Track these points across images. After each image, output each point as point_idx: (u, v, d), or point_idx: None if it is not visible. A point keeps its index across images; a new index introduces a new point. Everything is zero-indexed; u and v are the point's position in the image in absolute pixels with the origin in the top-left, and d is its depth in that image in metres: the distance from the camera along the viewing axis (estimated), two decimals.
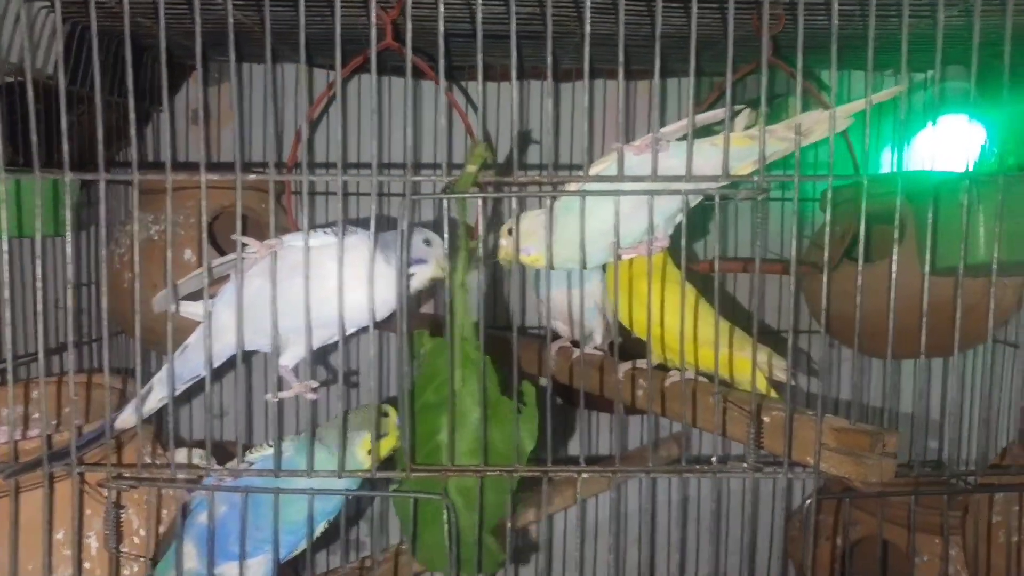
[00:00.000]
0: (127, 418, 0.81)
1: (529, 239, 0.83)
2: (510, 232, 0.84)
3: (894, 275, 0.76)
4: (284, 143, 1.56)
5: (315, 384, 0.80)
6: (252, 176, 0.74)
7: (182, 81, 1.64)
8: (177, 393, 0.81)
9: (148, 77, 1.44)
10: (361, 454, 0.81)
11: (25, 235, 0.92)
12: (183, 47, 1.43)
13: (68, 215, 0.75)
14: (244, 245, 0.76)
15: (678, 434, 1.56)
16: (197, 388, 0.84)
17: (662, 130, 0.77)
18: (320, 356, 0.82)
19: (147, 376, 0.82)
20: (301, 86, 1.49)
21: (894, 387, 1.52)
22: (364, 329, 0.79)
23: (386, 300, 0.78)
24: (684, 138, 0.75)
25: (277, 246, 0.77)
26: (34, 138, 0.74)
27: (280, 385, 0.79)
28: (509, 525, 0.76)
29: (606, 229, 0.76)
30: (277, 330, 0.75)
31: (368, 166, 0.73)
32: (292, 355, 0.81)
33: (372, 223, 0.73)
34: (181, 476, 0.75)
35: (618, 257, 0.77)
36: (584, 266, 0.78)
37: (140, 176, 0.75)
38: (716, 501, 0.78)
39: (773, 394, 0.89)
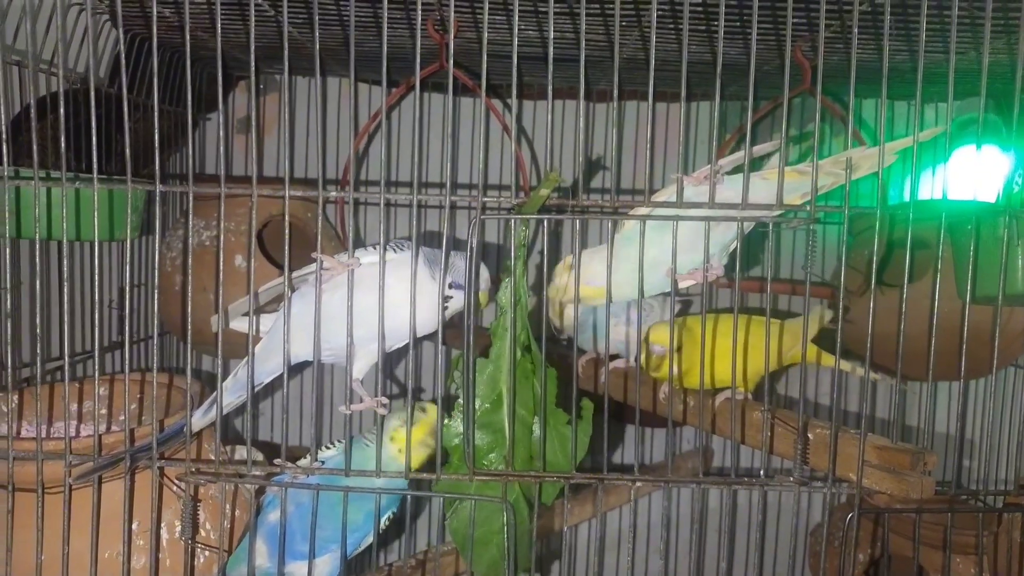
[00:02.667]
0: (196, 421, 0.85)
1: (592, 274, 0.87)
2: (570, 268, 0.88)
3: (936, 300, 0.79)
4: (337, 157, 1.61)
5: (386, 400, 0.84)
6: (333, 193, 0.79)
7: (228, 91, 1.69)
8: (234, 402, 0.85)
9: (197, 87, 1.49)
10: (396, 450, 0.84)
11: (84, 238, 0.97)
12: (232, 59, 1.48)
13: (158, 222, 0.79)
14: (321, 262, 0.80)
15: (704, 446, 1.60)
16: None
17: (719, 162, 0.81)
18: (386, 368, 0.85)
19: (197, 375, 0.86)
20: (385, 101, 1.53)
21: (904, 407, 1.57)
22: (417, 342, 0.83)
23: (426, 320, 0.82)
24: (738, 169, 0.79)
25: (353, 264, 0.81)
26: (128, 151, 0.79)
27: (351, 397, 0.83)
28: (566, 527, 0.80)
29: (664, 259, 0.80)
30: (352, 341, 0.79)
31: (435, 185, 0.77)
32: (355, 368, 0.85)
33: (444, 243, 0.78)
34: (256, 473, 0.80)
35: (674, 284, 0.80)
36: (642, 295, 0.82)
37: (226, 189, 0.79)
38: (763, 513, 0.81)
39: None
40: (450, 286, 0.82)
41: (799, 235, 1.56)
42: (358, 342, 0.80)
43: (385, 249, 0.78)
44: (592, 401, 0.83)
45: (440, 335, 0.80)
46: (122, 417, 1.01)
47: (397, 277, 0.79)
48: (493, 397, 0.86)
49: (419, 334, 0.81)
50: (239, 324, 0.89)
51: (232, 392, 0.85)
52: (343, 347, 0.79)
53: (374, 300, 0.78)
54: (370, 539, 0.85)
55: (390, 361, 0.83)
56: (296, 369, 0.87)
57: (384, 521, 0.86)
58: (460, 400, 0.84)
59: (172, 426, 0.84)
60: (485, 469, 0.85)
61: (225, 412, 0.86)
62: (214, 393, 0.84)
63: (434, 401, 0.82)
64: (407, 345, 0.81)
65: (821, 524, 1.53)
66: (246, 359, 0.82)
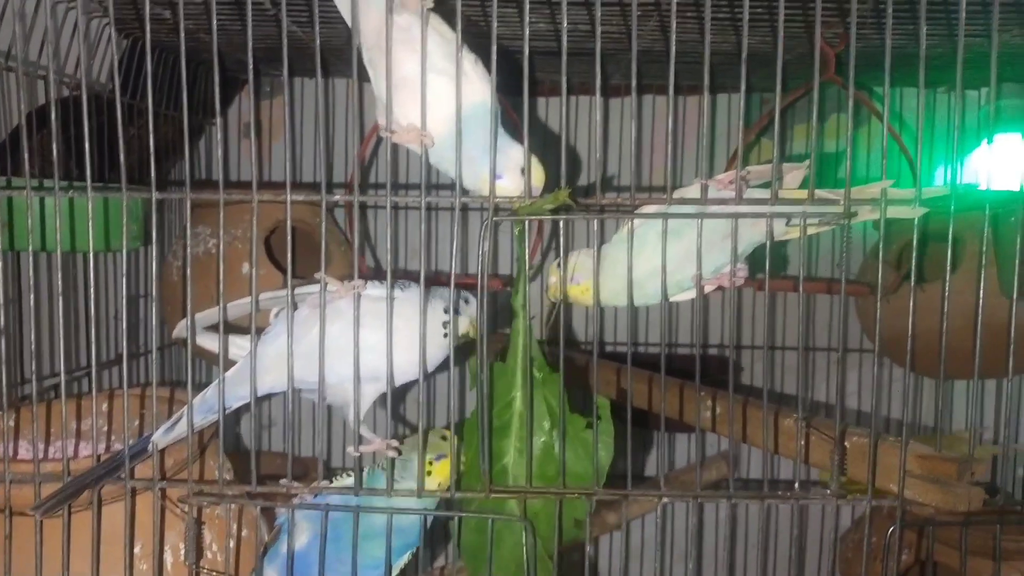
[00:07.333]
0: (159, 438, 0.80)
1: (579, 270, 0.83)
2: (559, 266, 0.83)
3: (977, 295, 0.74)
4: (345, 160, 1.58)
5: (396, 443, 0.79)
6: (337, 197, 0.75)
7: (234, 95, 1.66)
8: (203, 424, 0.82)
9: (201, 91, 1.46)
10: (435, 483, 0.81)
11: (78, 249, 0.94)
12: (236, 61, 1.45)
13: (155, 231, 0.75)
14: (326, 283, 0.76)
15: (725, 452, 1.55)
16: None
17: (749, 168, 0.77)
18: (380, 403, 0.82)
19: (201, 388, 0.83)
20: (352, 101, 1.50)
21: (946, 407, 1.51)
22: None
23: (435, 355, 0.79)
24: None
25: (361, 288, 0.77)
26: (123, 157, 0.75)
27: (358, 439, 0.79)
28: (589, 548, 0.76)
29: (658, 269, 0.76)
30: (336, 380, 0.76)
31: (446, 187, 0.73)
32: (352, 408, 0.80)
33: (454, 244, 0.74)
34: (261, 491, 0.76)
35: (700, 289, 0.76)
36: (633, 303, 0.77)
37: (226, 196, 0.75)
38: (799, 528, 0.77)
39: None
40: (445, 311, 0.80)
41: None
42: (346, 380, 0.76)
43: (393, 275, 0.74)
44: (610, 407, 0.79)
45: (452, 359, 0.77)
46: (123, 435, 0.97)
47: (397, 314, 0.75)
48: (507, 399, 0.82)
49: (408, 377, 0.79)
50: (206, 341, 0.85)
51: (200, 412, 0.81)
52: (331, 383, 0.76)
53: (368, 337, 0.75)
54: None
55: (394, 397, 0.79)
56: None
57: (406, 558, 0.82)
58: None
59: (134, 444, 0.80)
60: (503, 485, 0.81)
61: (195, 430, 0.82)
62: (181, 410, 0.80)
63: (447, 428, 0.79)
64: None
65: (851, 530, 1.48)
66: (216, 382, 0.79)
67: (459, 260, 0.75)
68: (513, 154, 0.75)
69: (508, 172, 0.74)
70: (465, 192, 0.74)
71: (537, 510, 0.81)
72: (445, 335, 0.79)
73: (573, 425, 0.80)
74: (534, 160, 0.76)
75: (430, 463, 0.80)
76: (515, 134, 0.77)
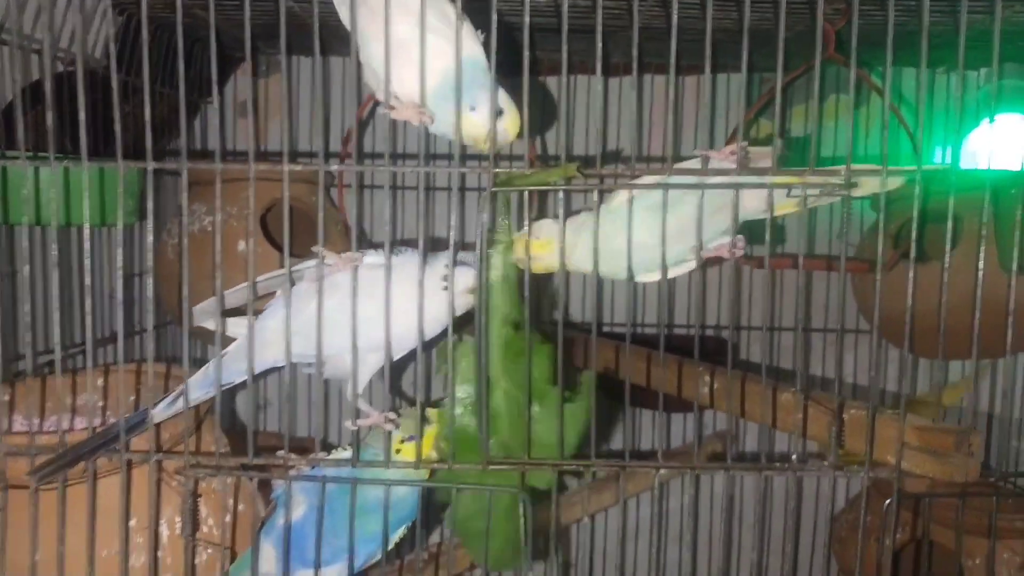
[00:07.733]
0: (159, 413, 0.80)
1: (543, 228, 0.81)
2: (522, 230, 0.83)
3: (975, 272, 0.74)
4: (339, 138, 1.57)
5: (394, 416, 0.80)
6: (335, 167, 0.75)
7: (229, 74, 1.64)
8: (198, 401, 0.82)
9: (197, 68, 1.44)
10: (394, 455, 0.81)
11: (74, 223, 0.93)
12: (233, 39, 1.43)
13: (151, 204, 0.75)
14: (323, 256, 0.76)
15: (721, 432, 1.55)
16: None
17: (751, 148, 0.77)
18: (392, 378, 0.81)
19: (199, 365, 0.82)
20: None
21: (940, 383, 1.51)
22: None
23: (436, 318, 0.79)
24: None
25: (358, 260, 0.77)
26: (118, 128, 0.75)
27: (356, 413, 0.79)
28: (586, 516, 0.76)
29: (642, 245, 0.75)
30: (357, 351, 0.75)
31: (443, 157, 0.73)
32: (350, 381, 0.81)
33: (451, 218, 0.73)
34: (257, 463, 0.76)
35: (700, 259, 0.76)
36: (631, 277, 0.77)
37: (223, 166, 0.75)
38: (796, 499, 0.77)
39: None
40: (445, 266, 0.79)
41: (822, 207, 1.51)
42: (346, 352, 0.76)
43: (392, 241, 0.73)
44: (608, 385, 0.78)
45: (451, 328, 0.76)
46: (120, 410, 0.97)
47: (395, 282, 0.74)
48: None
49: (409, 345, 0.79)
50: (207, 321, 0.85)
51: (201, 387, 0.81)
52: (331, 356, 0.76)
53: (367, 308, 0.75)
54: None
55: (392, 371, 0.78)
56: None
57: (402, 531, 0.82)
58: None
59: (132, 416, 0.80)
60: (498, 458, 0.80)
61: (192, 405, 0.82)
62: (180, 386, 0.80)
63: (438, 402, 0.79)
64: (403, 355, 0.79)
65: (845, 510, 1.49)
66: (213, 359, 0.79)
67: (457, 233, 0.74)
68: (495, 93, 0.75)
69: (484, 106, 0.74)
70: (463, 162, 0.74)
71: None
72: (445, 287, 0.77)
73: (549, 399, 0.78)
74: (510, 105, 0.76)
75: (401, 441, 0.80)
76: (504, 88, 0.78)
